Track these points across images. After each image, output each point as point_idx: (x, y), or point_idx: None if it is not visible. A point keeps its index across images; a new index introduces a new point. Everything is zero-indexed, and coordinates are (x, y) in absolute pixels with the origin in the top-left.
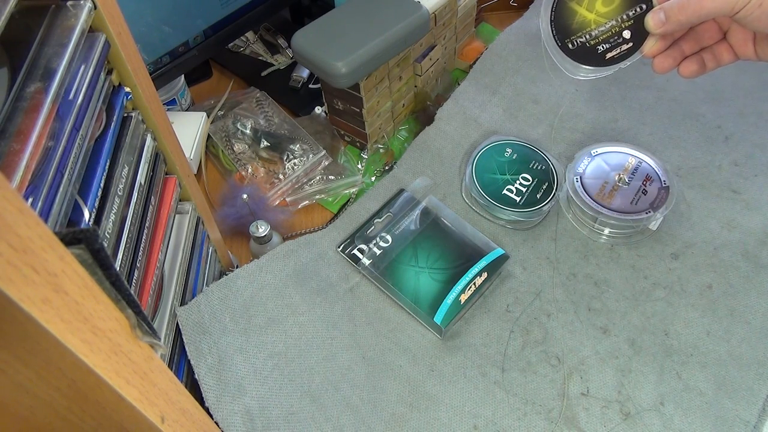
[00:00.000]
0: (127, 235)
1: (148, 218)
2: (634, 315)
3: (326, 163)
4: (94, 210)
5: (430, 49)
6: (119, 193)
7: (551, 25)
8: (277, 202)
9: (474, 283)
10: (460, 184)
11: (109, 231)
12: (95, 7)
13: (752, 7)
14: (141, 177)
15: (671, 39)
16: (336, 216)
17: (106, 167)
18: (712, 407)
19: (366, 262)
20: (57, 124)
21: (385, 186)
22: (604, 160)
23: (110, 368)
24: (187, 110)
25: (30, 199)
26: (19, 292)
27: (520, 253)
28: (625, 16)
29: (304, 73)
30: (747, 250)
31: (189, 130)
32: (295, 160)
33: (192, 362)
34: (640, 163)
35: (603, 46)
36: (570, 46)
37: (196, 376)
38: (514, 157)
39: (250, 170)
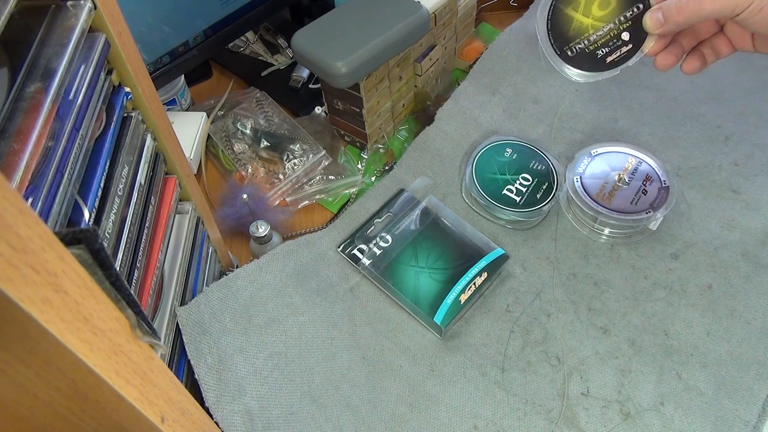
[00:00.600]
0: (127, 235)
1: (148, 218)
2: (634, 315)
3: (326, 163)
4: (94, 210)
5: (430, 49)
6: (119, 193)
7: (548, 34)
8: (277, 202)
9: (474, 283)
10: (460, 184)
11: (109, 231)
12: (95, 7)
13: (753, 10)
14: (141, 177)
15: (670, 37)
16: (336, 216)
17: (106, 167)
18: (712, 407)
19: (366, 262)
20: (57, 124)
21: (385, 186)
22: (604, 160)
23: (110, 368)
24: (187, 110)
25: (30, 199)
26: (19, 292)
27: (520, 253)
28: (622, 18)
29: (304, 73)
30: (747, 250)
31: (189, 130)
32: (295, 160)
33: (192, 362)
34: (640, 163)
35: (602, 51)
36: (569, 53)
37: (196, 376)
38: (514, 157)
39: (250, 170)
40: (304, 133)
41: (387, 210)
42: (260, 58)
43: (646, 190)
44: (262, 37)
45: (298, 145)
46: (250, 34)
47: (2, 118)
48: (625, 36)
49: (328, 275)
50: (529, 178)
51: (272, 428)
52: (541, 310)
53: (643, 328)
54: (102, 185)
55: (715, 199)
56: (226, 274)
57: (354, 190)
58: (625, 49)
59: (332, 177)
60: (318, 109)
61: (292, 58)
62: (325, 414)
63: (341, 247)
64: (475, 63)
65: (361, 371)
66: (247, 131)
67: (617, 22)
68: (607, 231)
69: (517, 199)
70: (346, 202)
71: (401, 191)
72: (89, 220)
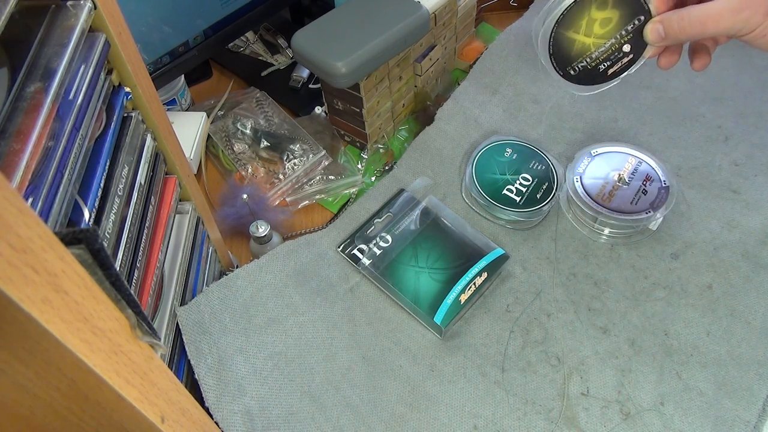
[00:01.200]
0: (127, 235)
1: (148, 218)
2: (634, 315)
3: (326, 163)
4: (94, 210)
5: (430, 49)
6: (119, 193)
7: (551, 58)
8: (277, 202)
9: (474, 283)
10: (460, 184)
11: (109, 231)
12: (95, 7)
13: (757, 35)
14: (141, 177)
15: (676, 49)
16: (336, 216)
17: (106, 167)
18: (712, 407)
19: (366, 262)
20: (57, 124)
21: (385, 186)
22: (604, 160)
23: (110, 368)
24: (187, 110)
25: (30, 199)
26: (19, 292)
27: (520, 253)
28: (624, 32)
29: (304, 73)
30: (747, 250)
31: (189, 130)
32: (295, 160)
33: (192, 362)
34: (640, 163)
35: (604, 65)
36: (572, 72)
37: (196, 376)
38: (514, 157)
39: (250, 170)
40: (304, 133)
41: (387, 210)
42: (260, 58)
43: (646, 190)
44: (262, 37)
45: (298, 145)
46: (250, 34)
47: (2, 118)
48: (626, 48)
49: (328, 275)
50: (529, 178)
51: (272, 428)
52: (541, 310)
53: (643, 328)
54: (102, 185)
55: (715, 199)
56: (226, 274)
57: (354, 190)
58: (625, 59)
59: (332, 177)
60: (318, 109)
61: (292, 58)
62: (325, 414)
63: (341, 247)
64: (475, 63)
65: (361, 371)
66: (247, 131)
67: (618, 36)
68: (607, 231)
69: (517, 199)
70: (346, 202)
71: (401, 191)
72: (89, 220)
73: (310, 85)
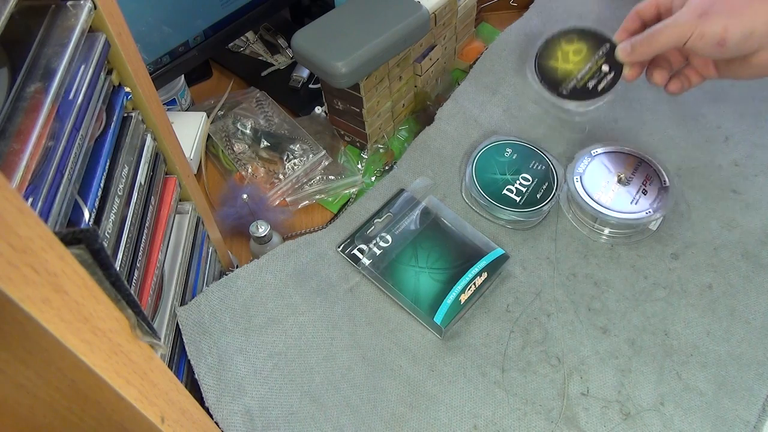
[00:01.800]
0: (127, 235)
1: (148, 218)
2: (634, 315)
3: (326, 163)
4: (94, 210)
5: (430, 49)
6: (119, 193)
7: (542, 84)
8: (277, 202)
9: (474, 283)
10: (460, 184)
11: (109, 231)
12: (95, 7)
13: (695, 39)
14: (141, 177)
15: (644, 65)
16: (336, 216)
17: (106, 167)
18: (712, 407)
19: (366, 262)
20: (57, 124)
21: (385, 186)
22: (604, 160)
23: (110, 368)
24: (187, 110)
25: (30, 199)
26: (19, 292)
27: (520, 253)
28: (596, 57)
29: (304, 73)
30: (747, 250)
31: (189, 130)
32: (295, 160)
33: (192, 362)
34: (640, 163)
35: (591, 83)
36: (564, 92)
37: (196, 376)
38: (514, 157)
39: (250, 170)
40: (304, 133)
41: (387, 210)
42: (260, 58)
43: (646, 190)
44: (262, 37)
45: (298, 145)
46: (250, 34)
47: (2, 118)
48: (605, 68)
49: (328, 275)
50: (529, 178)
51: (272, 428)
52: (541, 310)
53: (643, 328)
54: (102, 185)
55: (715, 199)
56: (226, 274)
57: (354, 190)
58: (609, 77)
59: (332, 177)
60: (318, 109)
61: (292, 58)
62: (325, 414)
63: (341, 247)
64: (475, 63)
65: (361, 371)
66: (247, 131)
67: (594, 60)
68: (607, 231)
69: (517, 199)
70: (346, 202)
71: (401, 191)
72: (89, 220)
73: (310, 85)
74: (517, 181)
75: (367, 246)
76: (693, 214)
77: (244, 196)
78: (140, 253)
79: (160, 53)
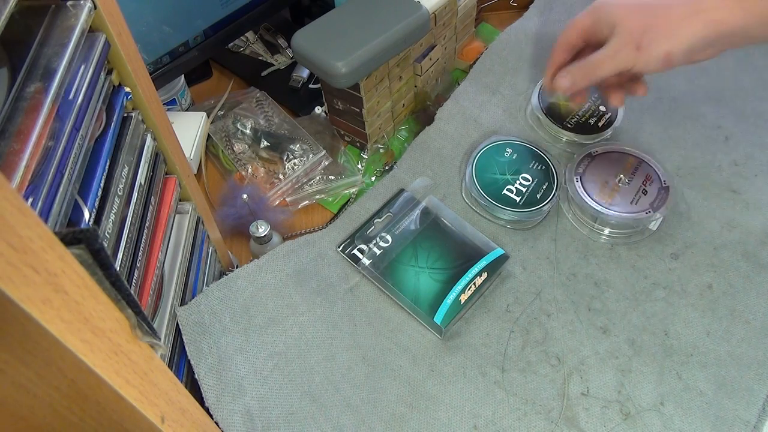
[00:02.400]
0: (127, 235)
1: (148, 218)
2: (634, 315)
3: (326, 163)
4: (94, 210)
5: (430, 49)
6: (119, 193)
7: (548, 118)
8: (277, 202)
9: (474, 283)
10: (460, 184)
11: (109, 231)
12: (95, 7)
13: (640, 67)
14: (141, 177)
15: (624, 91)
16: (336, 216)
17: (106, 167)
18: (712, 407)
19: (366, 262)
20: (57, 124)
21: (385, 186)
22: (604, 160)
23: (110, 368)
24: (187, 110)
25: (30, 199)
26: (19, 292)
27: (520, 253)
28: (594, 97)
29: (304, 73)
30: (747, 250)
31: (189, 130)
32: (295, 160)
33: (192, 362)
34: (640, 163)
35: (592, 120)
36: (569, 126)
37: (196, 376)
38: (514, 157)
39: (250, 170)
40: (304, 133)
41: (387, 210)
42: (260, 58)
43: (646, 190)
44: (262, 37)
45: (298, 145)
46: (250, 34)
47: (2, 118)
48: (603, 108)
49: (328, 275)
50: (529, 178)
51: (272, 428)
52: (541, 310)
53: (643, 328)
54: (102, 185)
55: (715, 199)
56: (226, 274)
57: (354, 190)
58: (607, 116)
59: (332, 177)
60: (318, 109)
61: (292, 58)
62: (325, 414)
63: (341, 247)
64: (475, 63)
65: (361, 371)
66: (247, 131)
67: (592, 101)
68: (607, 231)
69: (517, 199)
70: (346, 202)
71: (401, 191)
72: (89, 220)
73: (310, 85)
74: (517, 181)
75: (367, 246)
76: (693, 214)
77: (244, 196)
78: (140, 253)
79: (160, 53)
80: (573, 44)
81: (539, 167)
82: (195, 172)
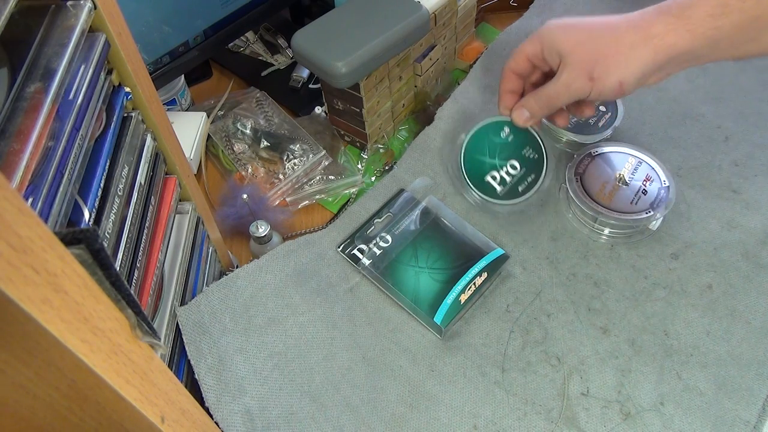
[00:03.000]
0: (127, 235)
1: (148, 218)
2: (634, 315)
3: (326, 163)
4: (94, 210)
5: (430, 49)
6: (119, 193)
7: (549, 119)
8: (277, 202)
9: (474, 283)
10: (452, 157)
11: (109, 231)
12: (95, 7)
13: (594, 96)
14: (141, 177)
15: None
16: (336, 216)
17: (106, 167)
18: (712, 407)
19: (366, 262)
20: (57, 124)
21: (385, 186)
22: (604, 160)
23: (110, 368)
24: (187, 110)
25: (30, 199)
26: (19, 292)
27: (520, 253)
28: None
29: (304, 73)
30: (747, 250)
31: (189, 130)
32: (295, 160)
33: (192, 362)
34: (640, 163)
35: (592, 120)
36: (569, 126)
37: (196, 376)
38: (509, 140)
39: (250, 170)
40: (304, 133)
41: (387, 210)
42: (260, 58)
43: (646, 190)
44: (262, 37)
45: (298, 145)
46: (250, 34)
47: (2, 118)
48: (603, 108)
49: (328, 275)
50: (517, 166)
51: (272, 428)
52: (541, 310)
53: (643, 328)
54: (102, 185)
55: (715, 199)
56: (226, 274)
57: (354, 190)
58: (607, 116)
59: (332, 177)
60: (318, 109)
61: (292, 58)
62: (325, 414)
63: (341, 247)
64: (475, 63)
65: (361, 371)
66: (247, 131)
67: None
68: (607, 231)
69: (499, 188)
70: (346, 202)
71: (401, 191)
72: (89, 220)
73: (310, 85)
74: (504, 168)
75: (367, 246)
76: (693, 214)
77: (244, 196)
78: (140, 253)
79: (160, 53)
80: (521, 71)
81: (532, 155)
82: (195, 172)
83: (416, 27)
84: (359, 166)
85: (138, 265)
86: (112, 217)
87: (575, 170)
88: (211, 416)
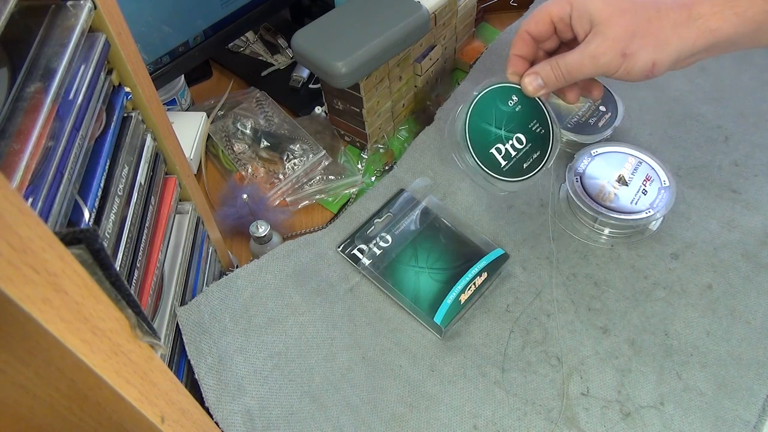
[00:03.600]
0: (127, 235)
1: (148, 218)
2: (634, 315)
3: (326, 163)
4: (94, 210)
5: (430, 49)
6: (119, 193)
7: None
8: (277, 202)
9: (474, 283)
10: (451, 124)
11: (109, 231)
12: (95, 7)
13: (621, 74)
14: (141, 177)
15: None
16: (336, 216)
17: (106, 167)
18: (712, 407)
19: (366, 262)
20: (57, 124)
21: (385, 186)
22: (604, 160)
23: (110, 368)
24: (187, 110)
25: (30, 199)
26: (19, 292)
27: (520, 253)
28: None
29: (304, 73)
30: (747, 250)
31: (189, 130)
32: (295, 160)
33: (192, 362)
34: (640, 163)
35: (591, 120)
36: (569, 126)
37: (196, 376)
38: (517, 109)
39: (250, 170)
40: (304, 133)
41: (387, 210)
42: (260, 58)
43: (646, 190)
44: (262, 37)
45: (298, 145)
46: (250, 34)
47: (2, 118)
48: (603, 108)
49: (328, 275)
50: (523, 140)
51: (272, 428)
52: (541, 310)
53: (643, 328)
54: (102, 185)
55: (715, 199)
56: (226, 274)
57: (354, 190)
58: (607, 116)
59: (332, 177)
60: (318, 109)
61: (292, 58)
62: (325, 414)
63: (341, 247)
64: (475, 63)
65: (361, 371)
66: (247, 131)
67: (592, 101)
68: (607, 231)
69: (503, 163)
70: (346, 202)
71: (401, 191)
72: (89, 220)
73: (310, 85)
74: (510, 141)
75: (367, 246)
76: (693, 214)
77: (244, 196)
78: (140, 253)
79: (160, 53)
80: (539, 34)
81: (539, 129)
82: (195, 172)
83: (416, 27)
84: (359, 166)
85: (138, 265)
86: (112, 217)
87: (575, 170)
88: (211, 416)
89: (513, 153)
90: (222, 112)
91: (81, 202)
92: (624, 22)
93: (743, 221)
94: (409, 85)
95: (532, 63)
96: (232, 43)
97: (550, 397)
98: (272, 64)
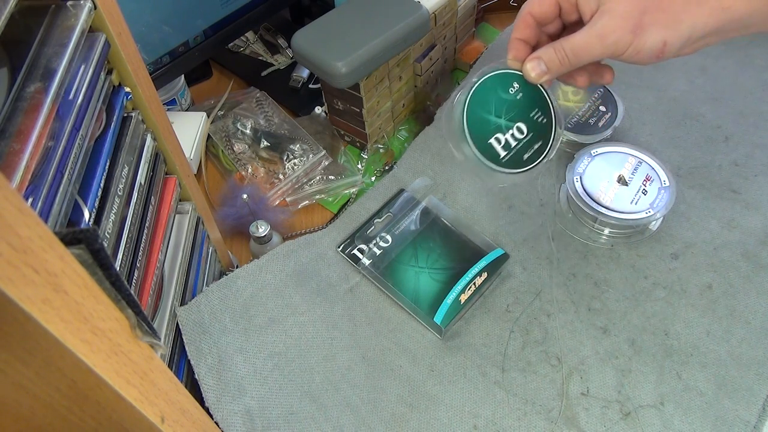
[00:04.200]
0: (127, 235)
1: (148, 218)
2: (634, 315)
3: (326, 163)
4: (94, 210)
5: (430, 49)
6: (119, 193)
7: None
8: (277, 202)
9: (474, 283)
10: (448, 107)
11: (109, 231)
12: (95, 7)
13: (629, 55)
14: (141, 177)
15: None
16: (336, 216)
17: (106, 167)
18: (712, 407)
19: (366, 262)
20: (57, 124)
21: (385, 186)
22: (604, 160)
23: (110, 368)
24: (187, 110)
25: (30, 199)
26: (19, 292)
27: (520, 253)
28: (593, 98)
29: (304, 73)
30: (747, 250)
31: (189, 130)
32: (295, 160)
33: (192, 362)
34: (640, 163)
35: (592, 120)
36: (569, 126)
37: (196, 376)
38: (518, 97)
39: (250, 170)
40: (304, 133)
41: (387, 210)
42: (260, 58)
43: (646, 190)
44: (262, 37)
45: (298, 145)
46: (250, 34)
47: (2, 118)
48: (603, 108)
49: (328, 275)
50: (524, 130)
51: (272, 428)
52: (541, 310)
53: (643, 328)
54: (102, 185)
55: (715, 199)
56: (226, 274)
57: (354, 190)
58: (607, 116)
59: (332, 177)
60: (318, 109)
61: (292, 58)
62: (325, 414)
63: (341, 247)
64: (475, 63)
65: (361, 371)
66: (247, 131)
67: (592, 101)
68: (607, 231)
69: (503, 153)
70: (346, 202)
71: (401, 191)
72: (89, 220)
73: (310, 85)
74: (510, 131)
75: (367, 246)
76: (693, 214)
77: (244, 196)
78: (140, 253)
79: (160, 53)
80: (543, 16)
81: (541, 119)
82: (195, 172)
83: (416, 27)
84: (359, 166)
85: (138, 265)
86: (112, 217)
87: (575, 170)
88: (211, 416)
89: (513, 143)
90: (222, 112)
91: (81, 202)
92: None
93: (743, 221)
94: (409, 85)
95: (535, 48)
96: (232, 43)
97: (550, 397)
98: (272, 64)
